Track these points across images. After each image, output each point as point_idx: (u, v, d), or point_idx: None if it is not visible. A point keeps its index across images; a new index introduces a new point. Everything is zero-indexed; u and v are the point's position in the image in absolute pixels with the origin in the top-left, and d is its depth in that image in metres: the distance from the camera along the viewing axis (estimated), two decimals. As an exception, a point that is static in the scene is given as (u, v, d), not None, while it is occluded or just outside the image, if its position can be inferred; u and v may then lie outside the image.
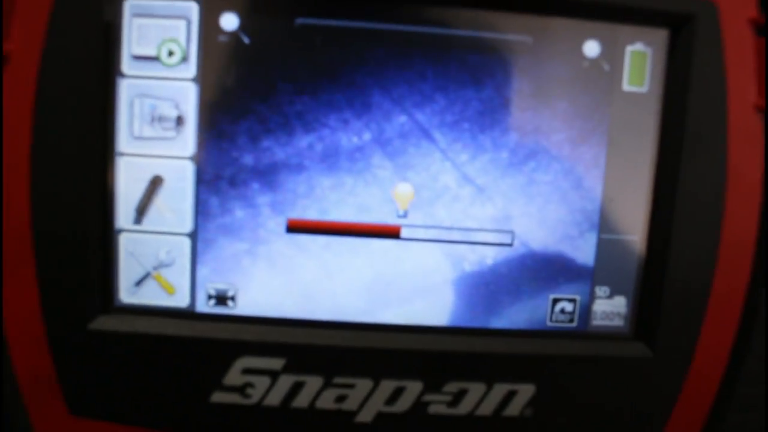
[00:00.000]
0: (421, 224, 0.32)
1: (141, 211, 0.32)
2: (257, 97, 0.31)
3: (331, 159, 0.31)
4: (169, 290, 0.32)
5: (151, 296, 0.32)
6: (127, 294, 0.32)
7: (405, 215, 0.32)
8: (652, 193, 0.32)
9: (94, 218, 0.31)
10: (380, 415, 0.32)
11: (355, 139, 0.31)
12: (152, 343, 0.31)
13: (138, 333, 0.31)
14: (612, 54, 0.31)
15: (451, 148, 0.31)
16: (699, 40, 0.30)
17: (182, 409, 0.32)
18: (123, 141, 0.31)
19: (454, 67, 0.31)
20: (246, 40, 0.30)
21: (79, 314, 0.31)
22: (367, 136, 0.31)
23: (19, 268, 0.31)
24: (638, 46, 0.31)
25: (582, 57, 0.31)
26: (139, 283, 0.32)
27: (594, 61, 0.31)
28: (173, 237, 0.32)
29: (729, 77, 0.31)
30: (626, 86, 0.32)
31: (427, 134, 0.31)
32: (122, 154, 0.31)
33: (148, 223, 0.32)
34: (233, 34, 0.30)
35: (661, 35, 0.31)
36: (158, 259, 0.32)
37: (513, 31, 0.31)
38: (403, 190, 0.31)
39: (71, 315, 0.31)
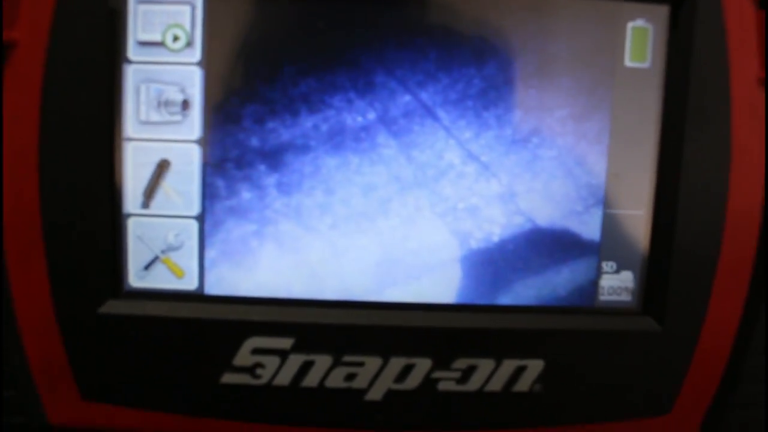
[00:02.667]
0: (427, 202, 0.32)
1: (148, 195, 0.32)
2: (262, 80, 0.31)
3: (336, 139, 0.31)
4: (178, 273, 0.32)
5: (159, 280, 0.32)
6: (136, 278, 0.32)
7: (411, 193, 0.32)
8: (657, 167, 0.32)
9: (102, 203, 0.31)
10: (390, 393, 0.32)
11: (359, 119, 0.31)
12: (162, 326, 0.32)
13: (148, 316, 0.32)
14: (613, 30, 0.32)
15: (455, 126, 0.32)
16: (700, 15, 0.31)
17: (193, 391, 0.32)
18: (130, 126, 0.31)
19: (456, 46, 0.31)
20: (250, 23, 0.31)
21: (88, 299, 0.32)
22: (371, 115, 0.31)
23: (29, 254, 0.31)
24: (639, 23, 0.32)
25: (584, 33, 0.31)
26: (147, 267, 0.32)
27: (596, 38, 0.32)
28: (181, 220, 0.32)
29: (731, 51, 0.31)
30: (628, 62, 0.32)
31: (431, 113, 0.31)
32: (129, 139, 0.31)
33: (155, 207, 0.32)
34: (237, 18, 0.31)
35: (662, 11, 0.31)
36: (166, 243, 0.32)
37: (515, 8, 0.31)
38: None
39: (81, 300, 0.32)
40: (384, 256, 0.32)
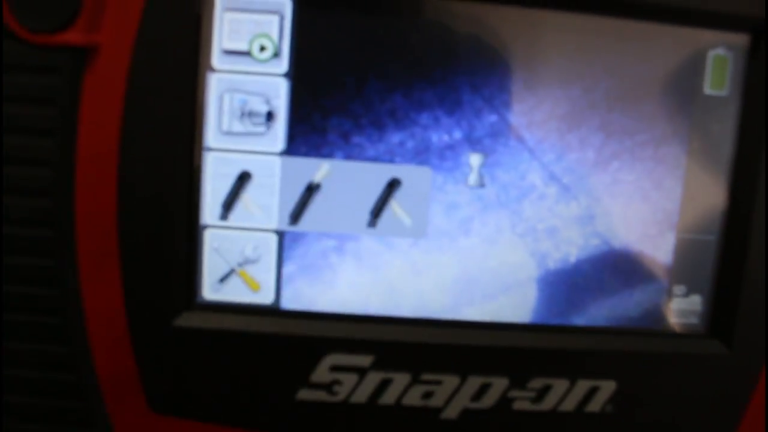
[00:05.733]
0: (508, 222, 0.32)
1: (228, 207, 0.31)
2: (349, 94, 0.31)
3: (421, 156, 0.31)
4: (254, 287, 0.32)
5: (235, 293, 0.32)
6: (210, 291, 0.32)
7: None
8: (731, 194, 0.33)
9: (180, 214, 0.31)
10: (466, 412, 0.32)
11: (445, 137, 0.31)
12: (237, 340, 0.31)
13: (223, 330, 0.31)
14: (694, 58, 0.32)
15: (538, 147, 0.32)
16: (780, 45, 0.31)
17: (267, 407, 0.32)
18: (211, 136, 0.31)
19: (542, 67, 0.31)
20: (339, 36, 0.30)
21: (162, 311, 0.31)
22: (457, 134, 0.31)
23: (103, 264, 0.30)
24: (720, 51, 0.32)
25: (666, 60, 0.32)
26: (223, 279, 0.32)
27: (677, 65, 0.32)
28: (260, 233, 0.32)
29: (808, 82, 0.32)
30: (707, 90, 0.32)
31: (516, 133, 0.32)
32: (210, 149, 0.31)
33: (234, 219, 0.31)
34: (326, 31, 0.30)
35: (743, 39, 0.32)
36: (244, 256, 0.32)
37: (600, 35, 0.31)
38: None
39: (154, 311, 0.31)
40: (462, 275, 0.32)
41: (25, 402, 0.31)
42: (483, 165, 0.31)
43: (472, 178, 0.31)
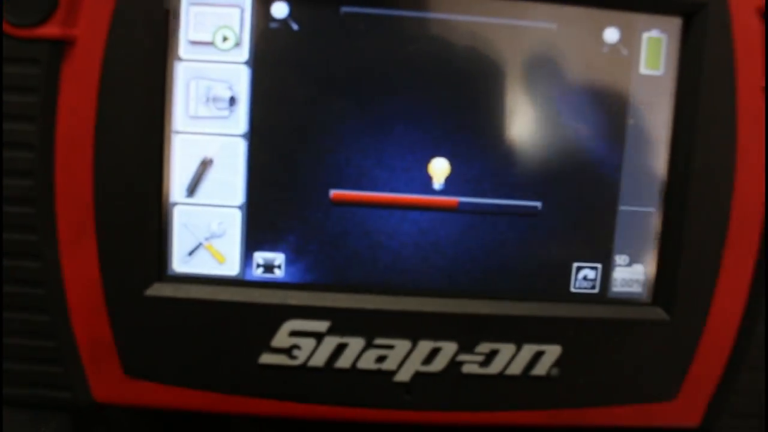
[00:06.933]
0: (455, 196, 0.34)
1: (194, 185, 0.34)
2: (306, 80, 0.33)
3: (375, 136, 0.34)
4: (220, 259, 0.34)
5: (202, 265, 0.34)
6: (180, 263, 0.34)
7: (441, 188, 0.34)
8: (669, 167, 0.35)
9: (150, 192, 0.33)
10: (417, 375, 0.34)
11: (396, 117, 0.34)
12: (205, 309, 0.34)
13: (191, 299, 0.34)
14: (630, 40, 0.34)
15: (483, 126, 0.34)
16: (710, 27, 0.33)
17: (232, 370, 0.34)
18: (179, 120, 0.33)
19: (486, 52, 0.34)
20: (295, 27, 0.33)
21: (135, 282, 0.34)
22: (407, 114, 0.34)
23: (81, 238, 0.33)
24: (654, 33, 0.34)
25: (602, 43, 0.34)
26: (191, 252, 0.34)
27: (613, 47, 0.34)
28: (225, 209, 0.34)
29: (738, 61, 0.33)
30: (643, 70, 0.34)
31: (462, 113, 0.34)
32: (178, 132, 0.34)
33: (201, 196, 0.34)
34: (283, 22, 0.33)
35: (676, 22, 0.34)
36: (210, 231, 0.34)
37: (539, 19, 0.34)
38: (439, 165, 0.34)
39: (128, 282, 0.34)
40: (413, 246, 0.34)
41: (8, 368, 0.34)
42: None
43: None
